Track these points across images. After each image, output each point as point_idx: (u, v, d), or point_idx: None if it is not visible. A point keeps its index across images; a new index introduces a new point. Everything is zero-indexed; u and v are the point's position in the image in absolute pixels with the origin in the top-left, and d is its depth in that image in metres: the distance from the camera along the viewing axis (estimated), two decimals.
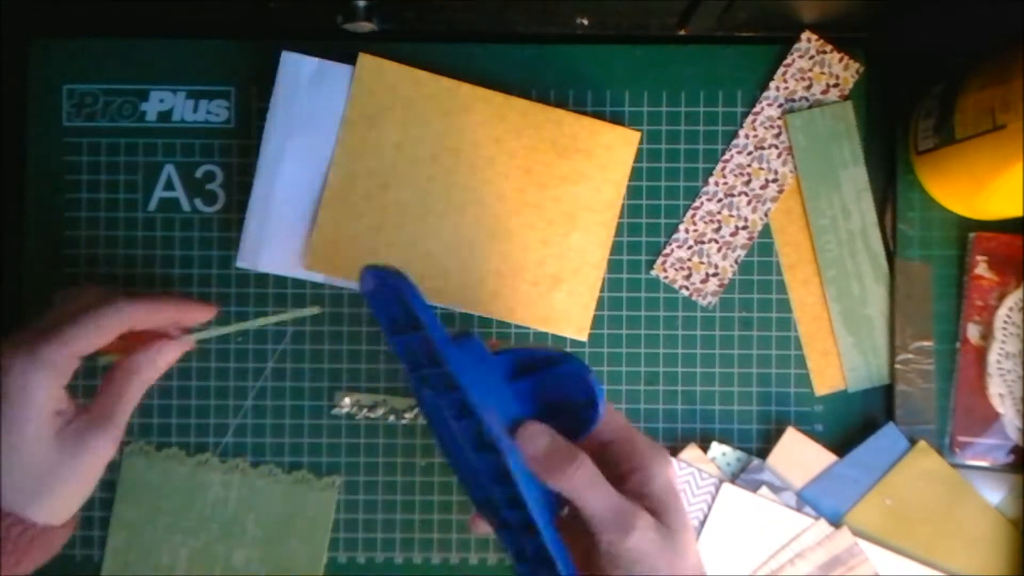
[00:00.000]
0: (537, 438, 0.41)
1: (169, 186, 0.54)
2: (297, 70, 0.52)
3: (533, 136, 0.53)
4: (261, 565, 0.53)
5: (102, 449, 0.43)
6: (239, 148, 0.54)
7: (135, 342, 0.45)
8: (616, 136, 0.53)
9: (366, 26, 0.51)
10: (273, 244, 0.52)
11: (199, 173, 0.54)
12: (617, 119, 0.54)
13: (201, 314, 0.48)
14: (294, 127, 0.52)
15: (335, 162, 0.52)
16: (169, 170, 0.54)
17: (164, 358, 0.45)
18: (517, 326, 0.54)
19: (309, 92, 0.52)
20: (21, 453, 0.41)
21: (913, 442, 0.53)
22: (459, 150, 0.53)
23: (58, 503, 0.43)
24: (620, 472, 0.42)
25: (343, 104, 0.52)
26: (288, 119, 0.52)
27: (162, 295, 0.51)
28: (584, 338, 0.53)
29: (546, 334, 0.54)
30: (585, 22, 0.54)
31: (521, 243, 0.53)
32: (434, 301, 0.53)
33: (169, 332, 0.46)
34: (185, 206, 0.54)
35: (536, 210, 0.53)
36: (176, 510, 0.53)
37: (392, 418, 0.54)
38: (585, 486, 0.40)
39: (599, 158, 0.53)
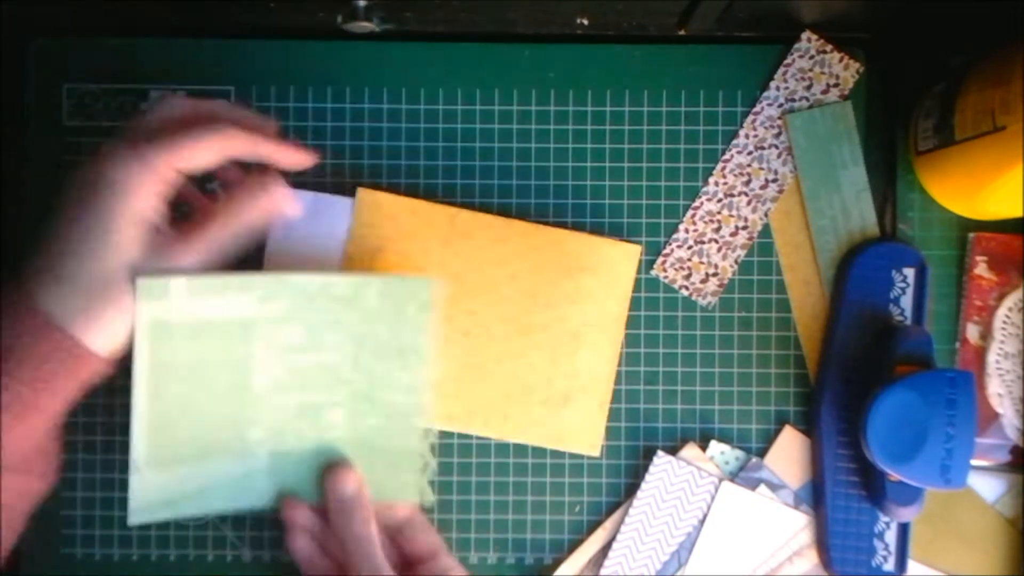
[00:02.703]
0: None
1: None
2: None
3: (535, 257, 0.53)
4: None
5: (180, 261, 0.42)
6: None
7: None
8: (618, 252, 0.53)
9: (366, 26, 0.51)
10: None
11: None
12: (617, 119, 0.54)
13: (298, 159, 0.46)
14: (292, 259, 0.52)
15: None
16: None
17: (264, 203, 0.44)
18: (516, 447, 0.54)
19: (306, 224, 0.52)
20: (108, 251, 0.40)
21: None
22: (462, 276, 0.53)
23: (113, 328, 0.41)
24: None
25: (341, 233, 0.52)
26: (286, 252, 0.52)
27: (263, 128, 0.47)
28: (596, 453, 0.54)
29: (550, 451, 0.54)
30: (585, 22, 0.54)
31: (529, 364, 0.53)
32: (446, 427, 0.53)
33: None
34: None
35: (542, 330, 0.53)
36: None
37: None
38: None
39: (602, 275, 0.53)
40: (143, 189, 0.41)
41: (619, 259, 0.53)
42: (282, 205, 0.45)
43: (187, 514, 0.48)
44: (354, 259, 0.53)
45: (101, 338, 0.41)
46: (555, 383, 0.53)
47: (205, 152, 0.42)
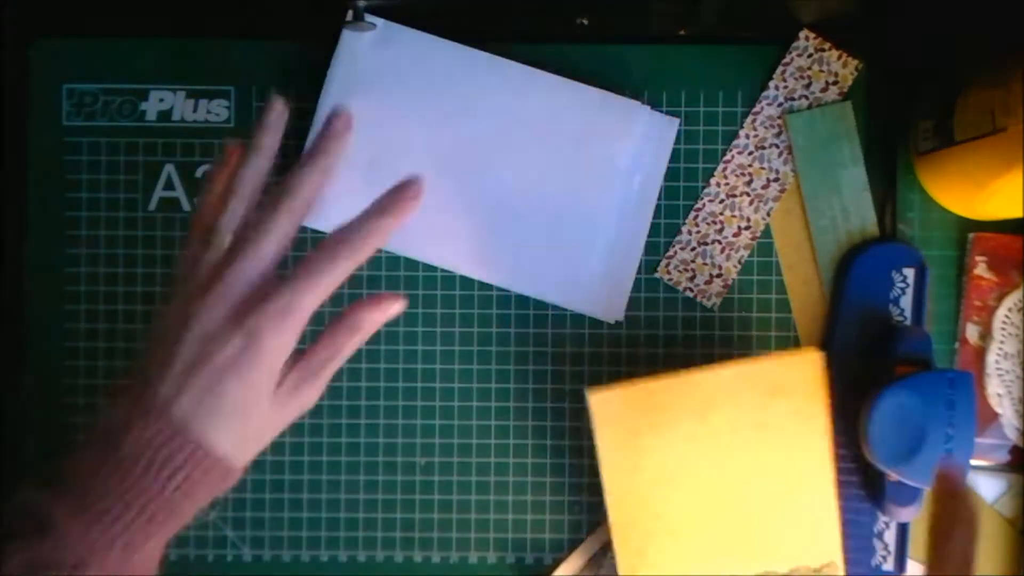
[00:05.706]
0: None
1: (169, 186, 0.54)
2: (361, 28, 0.51)
3: (733, 405, 0.50)
4: None
5: (309, 403, 0.42)
6: None
7: None
8: (798, 362, 0.49)
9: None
10: (327, 202, 0.51)
11: (199, 173, 0.54)
12: None
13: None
14: (354, 87, 0.51)
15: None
16: (169, 170, 0.54)
17: (387, 314, 0.43)
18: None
19: (372, 53, 0.51)
20: (246, 413, 0.40)
21: None
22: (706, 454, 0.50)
23: (250, 447, 0.41)
24: None
25: (405, 68, 0.51)
26: (348, 79, 0.51)
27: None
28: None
29: None
30: (585, 22, 0.54)
31: (753, 501, 0.50)
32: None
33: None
34: (185, 206, 0.54)
35: (760, 473, 0.50)
36: None
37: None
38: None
39: (792, 392, 0.49)
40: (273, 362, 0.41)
41: (802, 370, 0.49)
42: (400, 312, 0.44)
43: None
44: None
45: (239, 452, 0.41)
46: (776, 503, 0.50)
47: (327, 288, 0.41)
